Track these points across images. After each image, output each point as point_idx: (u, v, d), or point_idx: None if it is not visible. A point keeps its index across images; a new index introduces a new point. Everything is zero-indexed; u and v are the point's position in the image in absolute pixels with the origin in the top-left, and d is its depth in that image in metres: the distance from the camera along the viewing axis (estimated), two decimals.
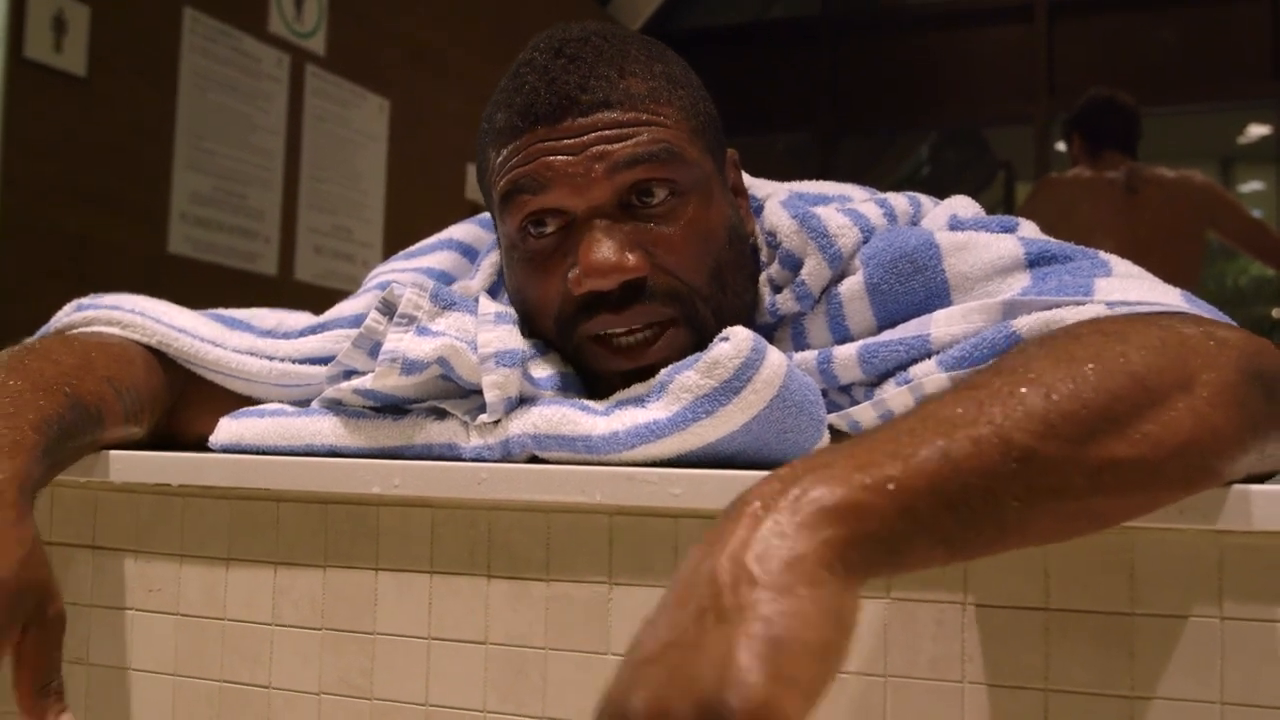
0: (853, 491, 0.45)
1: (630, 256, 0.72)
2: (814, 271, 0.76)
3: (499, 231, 0.81)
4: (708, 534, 0.46)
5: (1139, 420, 0.50)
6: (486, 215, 0.92)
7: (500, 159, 0.76)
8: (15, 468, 0.64)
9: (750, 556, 0.43)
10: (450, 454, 0.72)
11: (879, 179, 6.07)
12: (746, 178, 0.88)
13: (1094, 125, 3.18)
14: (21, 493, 0.64)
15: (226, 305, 0.94)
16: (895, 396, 0.69)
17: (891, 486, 0.45)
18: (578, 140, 0.73)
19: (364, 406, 0.76)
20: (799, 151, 6.40)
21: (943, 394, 0.51)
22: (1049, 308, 0.65)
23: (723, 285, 0.77)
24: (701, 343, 0.73)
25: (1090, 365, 0.51)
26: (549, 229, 0.75)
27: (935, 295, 0.73)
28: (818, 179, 0.90)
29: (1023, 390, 0.49)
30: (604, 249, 0.72)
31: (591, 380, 0.77)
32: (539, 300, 0.77)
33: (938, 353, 0.69)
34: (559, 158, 0.73)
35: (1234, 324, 0.61)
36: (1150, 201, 3.08)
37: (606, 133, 0.73)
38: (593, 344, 0.75)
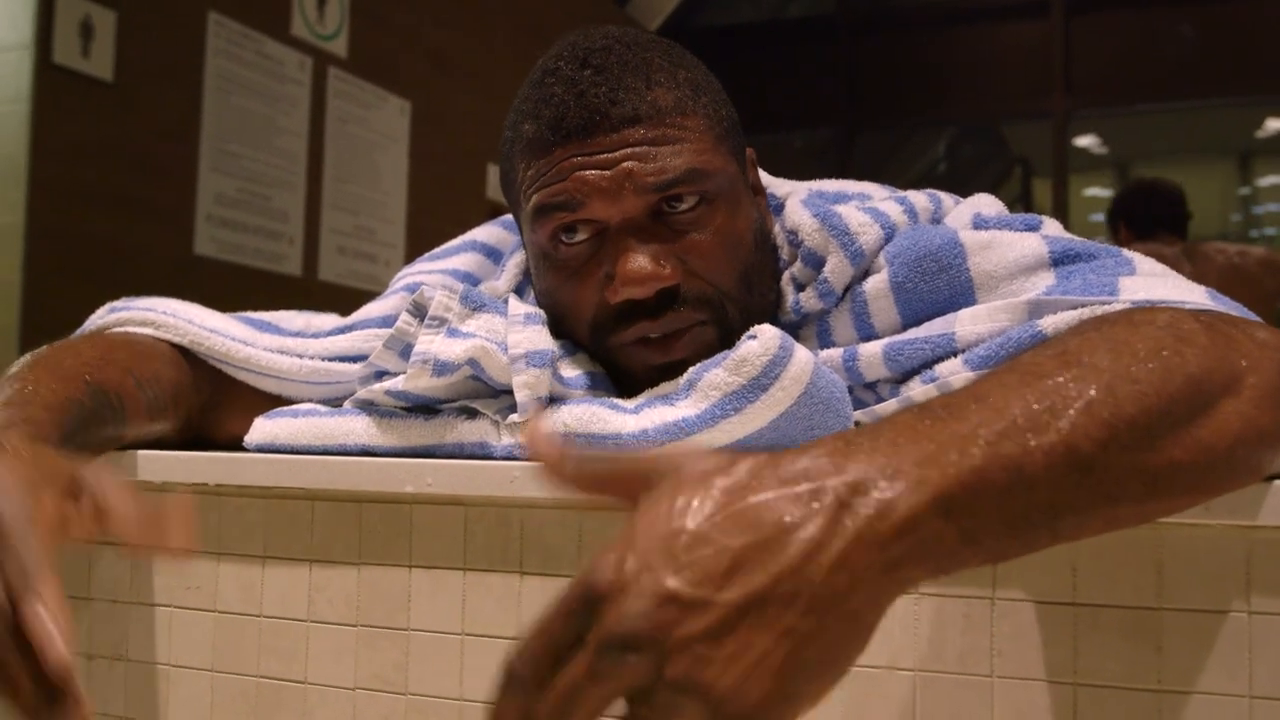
0: (932, 521, 0.42)
1: (665, 265, 0.74)
2: (836, 269, 0.77)
3: (527, 240, 0.82)
4: (764, 472, 0.43)
5: (1193, 425, 0.49)
6: (508, 217, 0.93)
7: (532, 172, 0.77)
8: (20, 432, 0.62)
9: (815, 569, 0.41)
10: (482, 453, 0.73)
11: (896, 175, 6.06)
12: (766, 176, 0.89)
13: (1138, 212, 3.01)
14: (26, 438, 0.61)
15: (252, 305, 0.95)
16: (921, 395, 0.69)
17: (964, 514, 0.43)
18: (609, 156, 0.74)
19: (396, 407, 0.78)
20: (817, 148, 6.39)
21: (1004, 382, 0.48)
22: (1074, 307, 0.65)
23: (750, 287, 0.78)
24: (727, 342, 0.74)
25: (1150, 363, 0.50)
26: (581, 236, 0.76)
27: (960, 294, 0.74)
28: (835, 176, 0.91)
29: (1088, 388, 0.47)
30: (640, 259, 0.73)
31: (621, 380, 0.78)
32: (573, 307, 0.78)
33: (963, 351, 0.70)
34: (592, 173, 0.74)
35: (1264, 323, 0.62)
36: (1209, 274, 2.86)
37: (636, 149, 0.74)
38: (627, 345, 0.76)
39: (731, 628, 0.40)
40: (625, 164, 0.73)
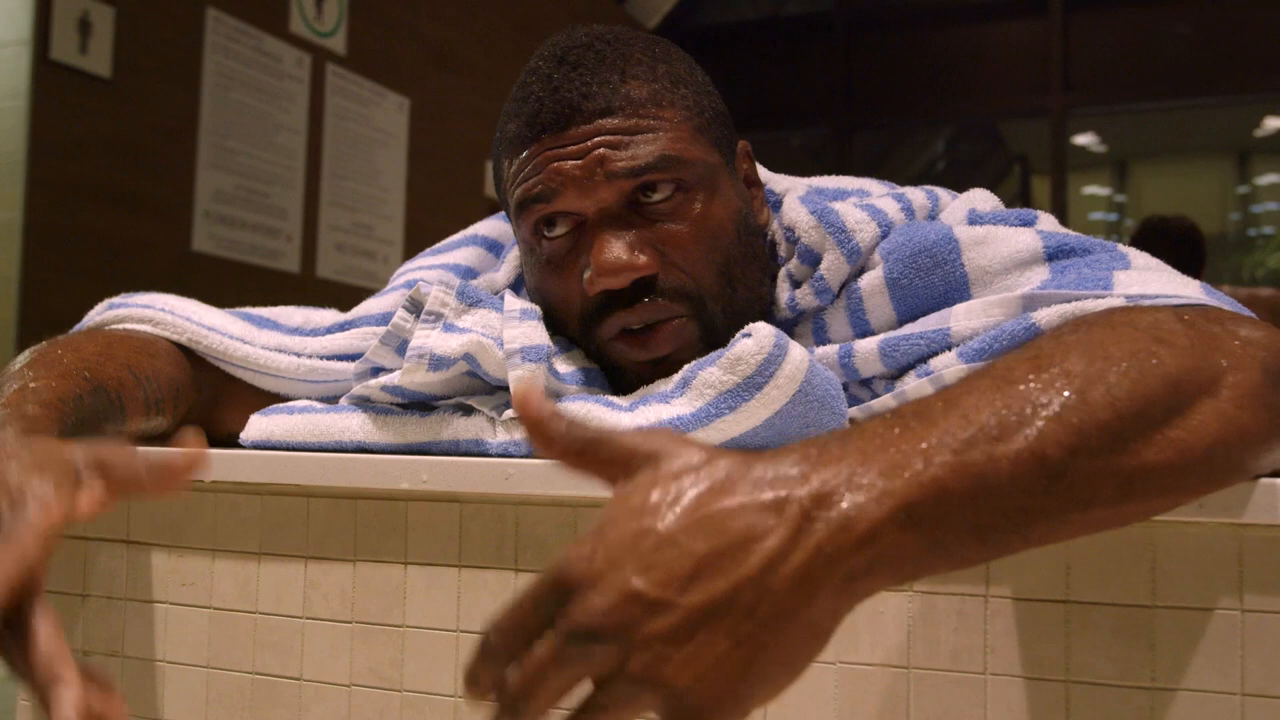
0: (893, 533, 0.43)
1: (640, 255, 0.74)
2: (832, 266, 0.77)
3: (516, 237, 0.82)
4: (733, 477, 0.44)
5: (1169, 426, 0.49)
6: None
7: (514, 168, 0.78)
8: (15, 429, 0.62)
9: (775, 580, 0.42)
10: (477, 449, 0.73)
11: (894, 173, 6.06)
12: (765, 172, 0.89)
13: (1146, 250, 2.97)
14: (19, 433, 0.61)
15: (250, 302, 0.95)
16: (916, 389, 0.70)
17: (928, 524, 0.44)
18: (581, 146, 0.74)
19: (392, 403, 0.78)
20: (814, 146, 6.40)
21: (976, 386, 0.49)
22: (1068, 301, 0.65)
23: (731, 281, 0.77)
24: (709, 337, 0.75)
25: (1124, 365, 0.49)
26: (561, 230, 0.77)
27: (954, 289, 0.74)
28: (834, 173, 0.91)
29: (1059, 394, 0.48)
30: (615, 249, 0.74)
31: (616, 377, 0.78)
32: (560, 301, 0.78)
33: (957, 345, 0.70)
34: (566, 163, 0.74)
35: (1255, 318, 0.62)
36: None
37: (608, 138, 0.74)
38: (613, 341, 0.77)
39: (691, 630, 0.42)
40: (597, 151, 0.74)
